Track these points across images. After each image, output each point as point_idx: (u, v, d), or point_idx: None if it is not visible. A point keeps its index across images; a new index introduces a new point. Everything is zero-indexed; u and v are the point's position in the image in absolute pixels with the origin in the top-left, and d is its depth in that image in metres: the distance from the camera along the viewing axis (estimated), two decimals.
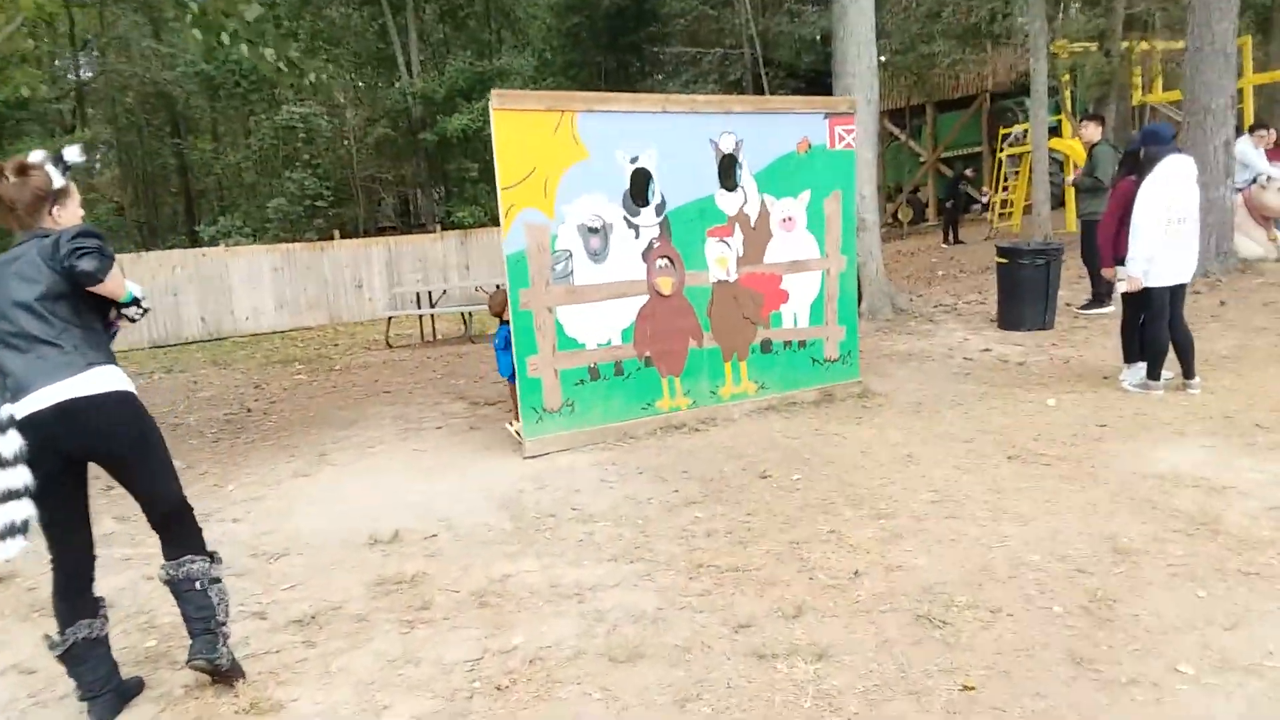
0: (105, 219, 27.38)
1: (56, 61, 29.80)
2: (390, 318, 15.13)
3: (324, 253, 19.05)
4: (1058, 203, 18.04)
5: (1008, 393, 6.98)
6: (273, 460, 6.56)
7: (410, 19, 26.74)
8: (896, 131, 27.84)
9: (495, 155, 5.69)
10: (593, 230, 6.08)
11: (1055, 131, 17.99)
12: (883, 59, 22.41)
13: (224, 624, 3.41)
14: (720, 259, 6.65)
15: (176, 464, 3.38)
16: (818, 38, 25.12)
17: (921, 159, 27.30)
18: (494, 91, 5.67)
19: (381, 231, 28.70)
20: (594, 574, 4.14)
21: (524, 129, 5.76)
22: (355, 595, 4.14)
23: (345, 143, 26.73)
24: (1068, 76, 18.20)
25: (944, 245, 19.81)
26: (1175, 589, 3.60)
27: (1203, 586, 3.60)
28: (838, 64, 10.92)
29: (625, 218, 6.21)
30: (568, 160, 5.94)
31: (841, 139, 7.11)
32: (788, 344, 7.04)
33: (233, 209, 28.81)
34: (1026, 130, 20.20)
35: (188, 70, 25.23)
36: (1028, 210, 19.65)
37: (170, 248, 23.66)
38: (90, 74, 31.47)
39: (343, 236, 20.36)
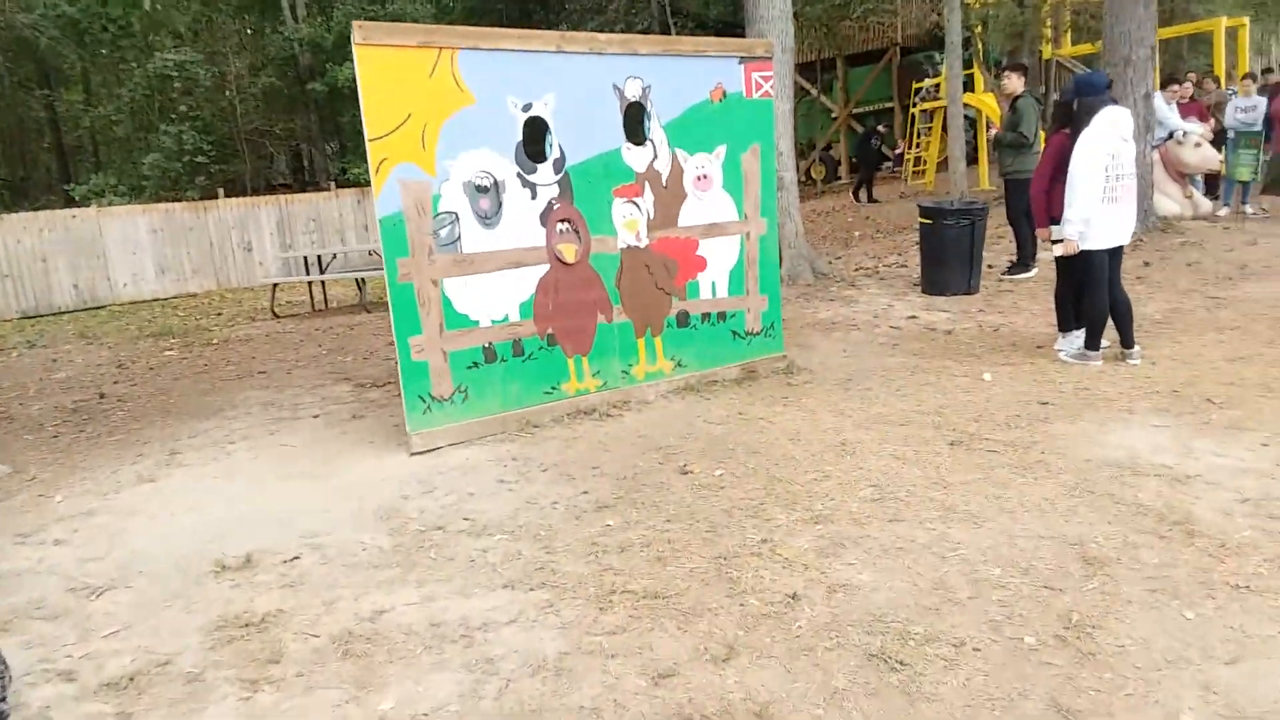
0: None
1: None
2: (276, 285, 13.94)
3: (207, 213, 17.60)
4: (970, 159, 17.82)
5: (940, 366, 6.50)
6: (116, 460, 5.63)
7: None
8: (808, 86, 27.33)
9: (360, 99, 4.83)
10: (481, 189, 5.29)
11: (967, 86, 17.70)
12: (794, 10, 21.80)
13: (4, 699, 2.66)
14: (629, 222, 5.94)
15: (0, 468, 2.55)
16: None
17: (833, 115, 26.91)
18: (355, 24, 4.79)
19: (273, 190, 26.97)
20: (485, 606, 3.45)
21: (394, 68, 4.91)
22: (190, 644, 3.37)
23: (228, 93, 24.85)
24: (980, 28, 17.91)
25: (857, 203, 19.47)
26: (1159, 608, 3.11)
27: (1189, 605, 3.12)
28: (750, 8, 10.24)
29: (519, 175, 5.43)
30: (449, 106, 5.12)
31: (759, 87, 6.45)
32: (706, 317, 6.40)
33: (107, 166, 26.68)
34: (939, 84, 19.94)
35: (47, 12, 22.97)
36: (941, 167, 19.46)
37: (39, 209, 21.68)
38: None
39: (229, 195, 18.84)
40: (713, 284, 6.42)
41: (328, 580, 3.78)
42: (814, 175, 26.97)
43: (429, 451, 5.20)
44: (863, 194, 19.68)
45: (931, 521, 3.89)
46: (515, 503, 4.44)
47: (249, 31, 28.96)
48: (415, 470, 4.96)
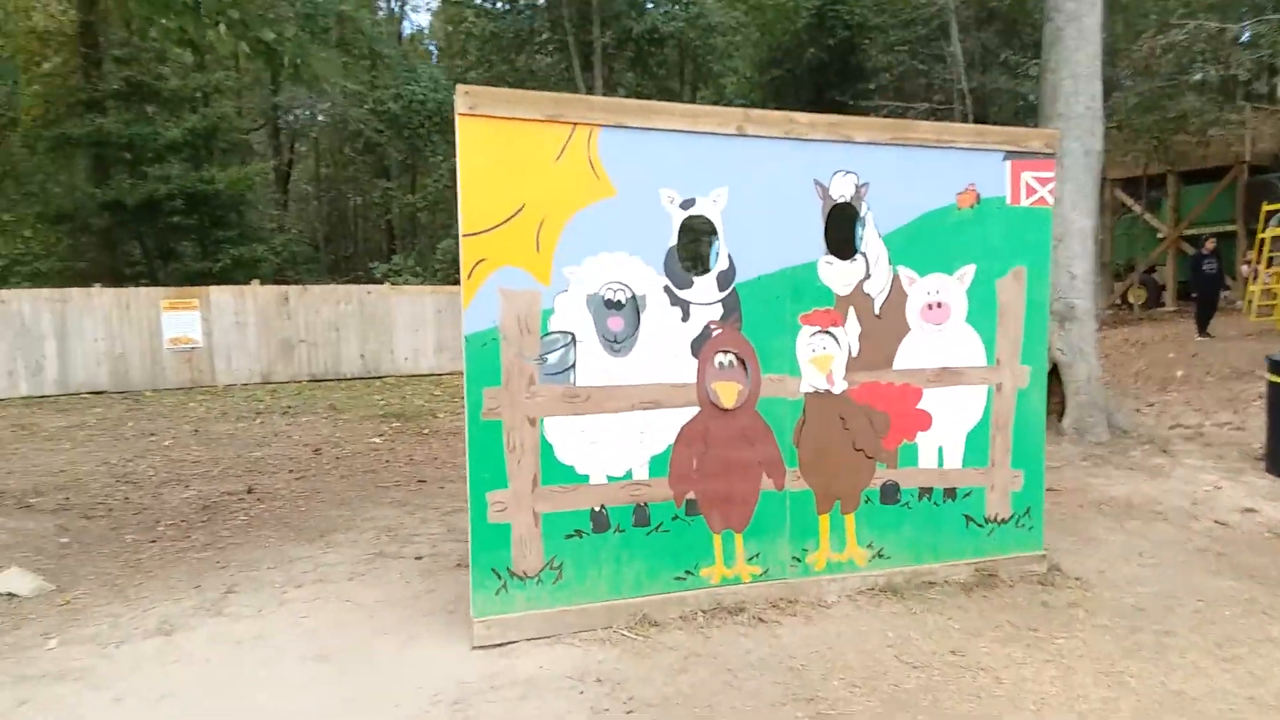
0: (298, 250, 28.07)
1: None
2: None
3: None
4: None
5: None
6: (167, 591, 4.76)
7: (597, 65, 25.89)
8: (1130, 203, 23.91)
9: (459, 182, 3.77)
10: (613, 305, 4.02)
11: None
12: (1115, 119, 19.12)
13: None
14: (820, 359, 4.40)
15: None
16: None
17: (1160, 235, 23.25)
18: (460, 88, 3.76)
19: None
20: None
21: (508, 146, 3.82)
22: None
23: None
24: None
25: (1197, 338, 16.03)
26: None
27: None
28: (1046, 102, 8.36)
29: (668, 289, 4.11)
30: (579, 199, 3.94)
31: (1032, 192, 4.71)
32: (926, 493, 4.63)
33: (409, 249, 28.87)
34: None
35: (377, 108, 25.42)
36: None
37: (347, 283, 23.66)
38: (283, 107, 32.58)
39: None
40: (939, 449, 4.66)
41: None
42: (1131, 300, 23.33)
43: (498, 646, 3.87)
44: (1202, 325, 16.20)
45: None
46: None
47: None
48: (464, 676, 3.64)
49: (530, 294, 3.89)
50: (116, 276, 21.91)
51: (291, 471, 8.05)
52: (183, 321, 16.47)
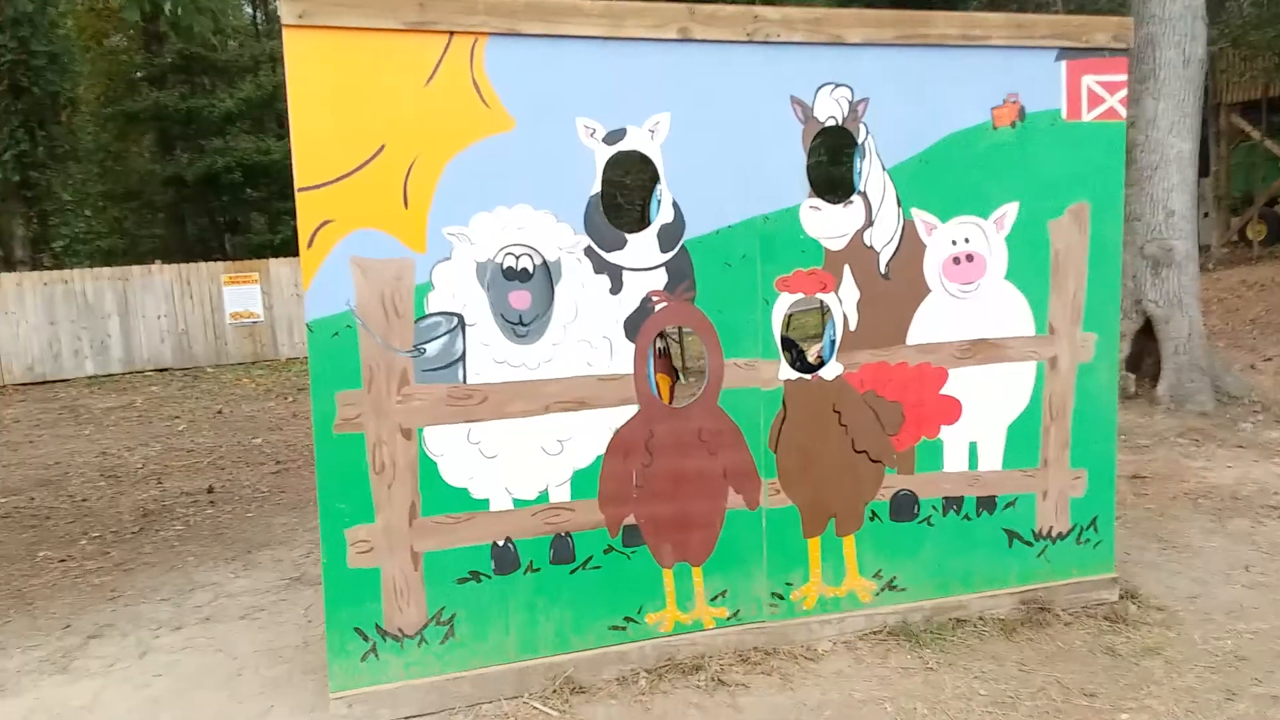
0: None
1: None
2: None
3: None
4: None
5: None
6: (29, 631, 3.96)
7: None
8: (1248, 129, 21.44)
9: (291, 118, 2.83)
10: (515, 275, 3.05)
11: None
12: (1229, 35, 16.92)
13: None
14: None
15: None
16: None
17: None
18: None
19: None
20: None
21: (359, 67, 2.86)
22: None
23: None
24: None
25: None
26: None
27: None
28: (1137, 3, 6.91)
29: (591, 251, 3.11)
30: (463, 134, 2.96)
31: (1097, 101, 3.51)
32: (953, 505, 3.56)
33: None
34: None
35: None
36: None
37: None
38: None
39: None
40: (971, 447, 3.57)
41: None
42: (1250, 235, 21.03)
43: None
44: None
45: None
46: None
47: None
48: None
49: (398, 264, 2.94)
50: (186, 252, 21.89)
51: (279, 463, 7.37)
52: (244, 295, 16.16)
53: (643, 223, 3.23)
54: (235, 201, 24.36)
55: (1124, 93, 3.56)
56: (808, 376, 3.37)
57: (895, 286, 3.42)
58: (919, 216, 3.42)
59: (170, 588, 4.56)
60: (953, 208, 3.45)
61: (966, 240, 3.48)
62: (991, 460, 3.59)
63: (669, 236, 3.18)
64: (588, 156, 3.09)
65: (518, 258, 3.05)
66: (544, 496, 3.14)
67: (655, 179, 3.20)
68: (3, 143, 17.36)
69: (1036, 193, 3.51)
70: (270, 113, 24.25)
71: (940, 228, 3.45)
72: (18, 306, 14.43)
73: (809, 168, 3.31)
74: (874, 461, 3.47)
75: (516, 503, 3.12)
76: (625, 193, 20.26)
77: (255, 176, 23.59)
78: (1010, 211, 3.49)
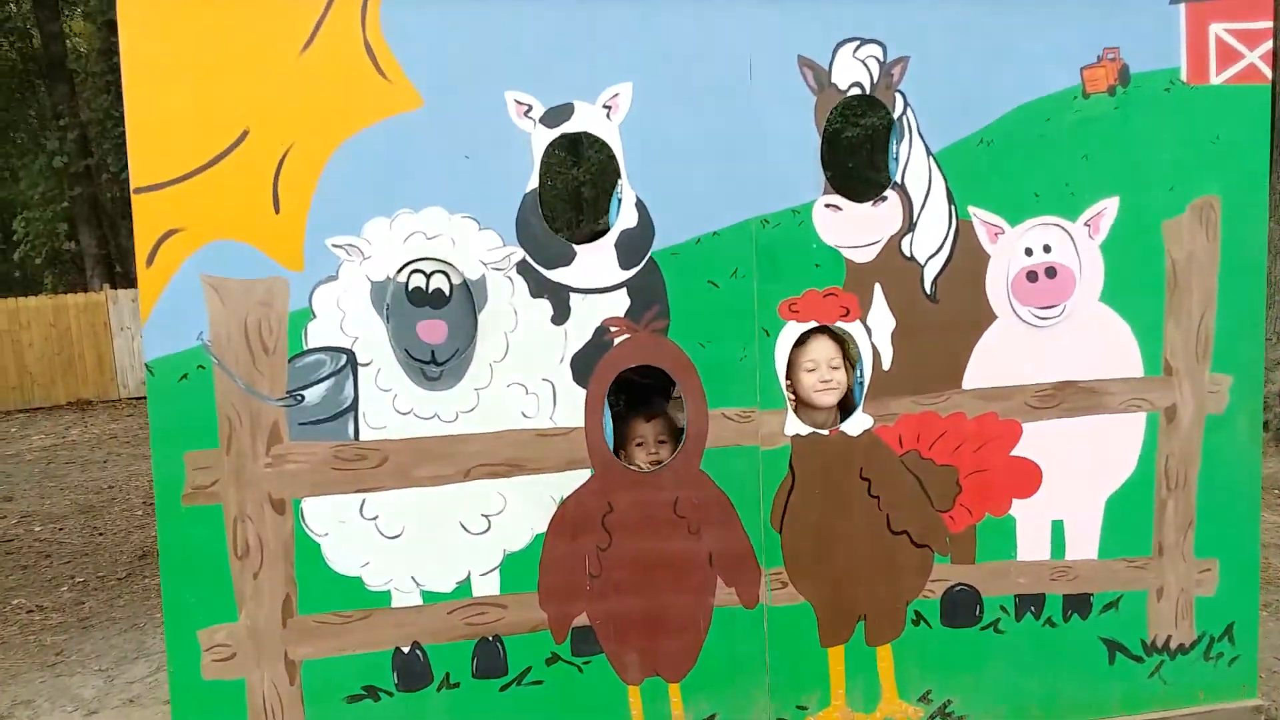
0: None
1: None
2: None
3: None
4: None
5: None
6: None
7: None
8: None
9: (125, 99, 2.19)
10: (425, 298, 2.32)
11: None
12: None
13: None
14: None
15: None
16: None
17: None
18: None
19: None
20: None
21: (211, 30, 2.19)
22: None
23: None
24: None
25: None
26: None
27: None
28: None
29: (528, 266, 2.36)
30: (354, 115, 2.26)
31: (1230, 58, 2.58)
32: (1031, 604, 2.65)
33: None
34: None
35: None
36: None
37: None
38: None
39: None
40: (1055, 526, 2.65)
41: None
42: None
43: None
44: None
45: None
46: None
47: None
48: None
49: (267, 285, 2.26)
50: None
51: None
52: None
53: (596, 230, 2.46)
54: None
55: (1268, 45, 2.61)
56: (824, 432, 2.53)
57: (946, 312, 2.55)
58: (980, 217, 2.54)
59: (115, 654, 4.04)
60: (1027, 205, 2.56)
61: (1047, 249, 2.58)
62: (1084, 546, 2.67)
63: (632, 247, 2.40)
64: (521, 142, 2.34)
65: (428, 276, 2.33)
66: (464, 589, 2.39)
67: (620, 175, 2.43)
68: (122, 161, 17.83)
69: (1145, 183, 2.59)
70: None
71: (1010, 233, 2.56)
72: (133, 322, 14.56)
73: (826, 153, 2.50)
74: (918, 546, 2.59)
75: (427, 596, 2.38)
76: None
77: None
78: (1108, 209, 2.58)
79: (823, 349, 2.55)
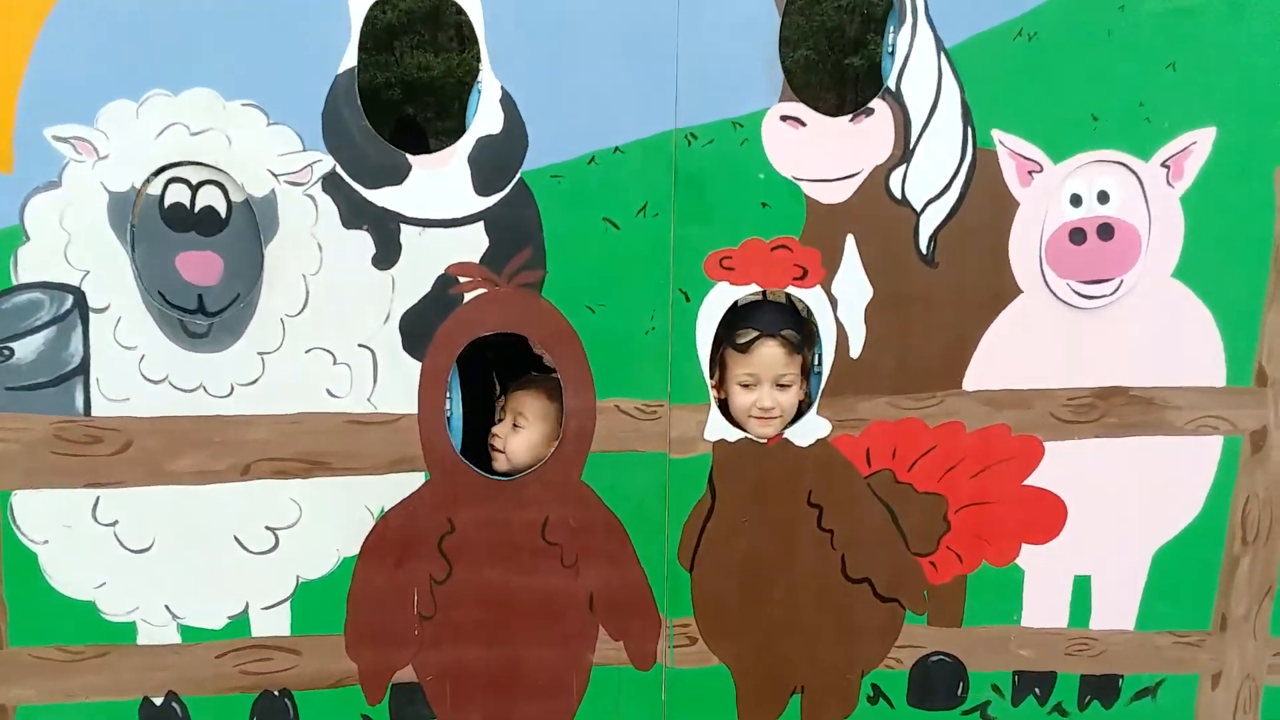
0: None
1: None
2: None
3: None
4: None
5: None
6: None
7: None
8: None
9: None
10: (186, 219, 1.63)
11: None
12: None
13: None
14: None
15: None
16: None
17: None
18: None
19: None
20: None
21: None
22: None
23: None
24: None
25: None
26: None
27: None
28: None
29: (337, 181, 1.64)
30: None
31: None
32: (1035, 684, 1.94)
33: None
34: None
35: None
36: None
37: None
38: None
39: None
40: (1080, 584, 1.93)
41: None
42: None
43: None
44: None
45: None
46: None
47: None
48: None
49: None
50: None
51: None
52: None
53: (440, 136, 1.73)
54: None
55: None
56: (760, 437, 1.81)
57: (948, 280, 1.79)
58: (1009, 146, 1.76)
59: None
60: (1080, 133, 1.77)
61: (1103, 197, 1.80)
62: (1117, 612, 1.95)
63: (493, 163, 1.67)
64: (335, 5, 1.61)
65: (194, 189, 1.63)
66: (241, 625, 1.75)
67: (478, 67, 1.69)
68: None
69: (1257, 111, 1.78)
70: (438, 26, 22.78)
71: (1051, 171, 1.78)
72: None
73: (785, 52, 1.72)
74: (883, 600, 1.89)
75: (188, 634, 1.74)
76: None
77: (415, 94, 22.50)
78: (1199, 145, 1.78)
79: (768, 360, 1.82)
